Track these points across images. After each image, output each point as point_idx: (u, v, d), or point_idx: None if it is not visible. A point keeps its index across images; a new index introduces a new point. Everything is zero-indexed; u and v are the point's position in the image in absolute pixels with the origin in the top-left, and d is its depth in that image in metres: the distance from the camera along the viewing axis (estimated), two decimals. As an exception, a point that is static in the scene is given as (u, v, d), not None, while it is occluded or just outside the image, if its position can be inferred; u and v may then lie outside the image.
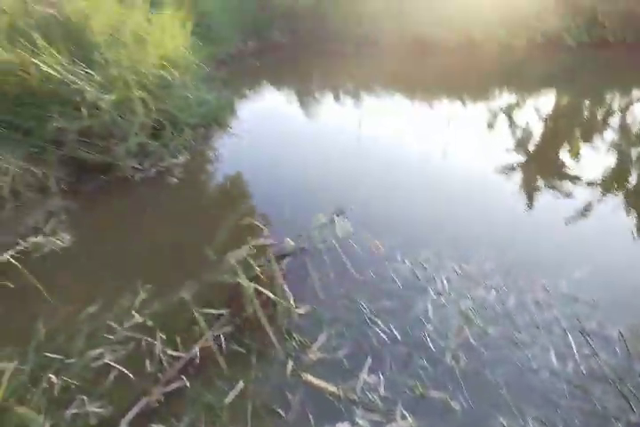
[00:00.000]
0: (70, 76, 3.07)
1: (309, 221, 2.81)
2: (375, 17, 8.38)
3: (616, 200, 3.25)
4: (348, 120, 5.10)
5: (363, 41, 8.44)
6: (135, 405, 1.21)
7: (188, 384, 1.36)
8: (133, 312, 1.66)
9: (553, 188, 3.49)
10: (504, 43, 8.27)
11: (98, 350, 1.43)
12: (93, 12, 3.57)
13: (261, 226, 2.70)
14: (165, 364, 1.40)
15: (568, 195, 3.33)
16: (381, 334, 1.82)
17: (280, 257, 2.42)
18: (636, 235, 2.86)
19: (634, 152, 4.41)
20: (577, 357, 1.88)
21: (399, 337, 1.83)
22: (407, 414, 1.39)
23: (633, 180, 3.76)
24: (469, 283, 2.35)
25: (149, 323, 1.61)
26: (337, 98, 6.18)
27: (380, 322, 1.92)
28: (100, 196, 2.96)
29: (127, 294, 1.86)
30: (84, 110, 3.05)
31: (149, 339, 1.52)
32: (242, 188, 3.41)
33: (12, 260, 1.57)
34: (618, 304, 2.20)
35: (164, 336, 1.54)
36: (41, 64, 2.94)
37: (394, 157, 3.94)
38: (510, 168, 3.80)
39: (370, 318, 1.93)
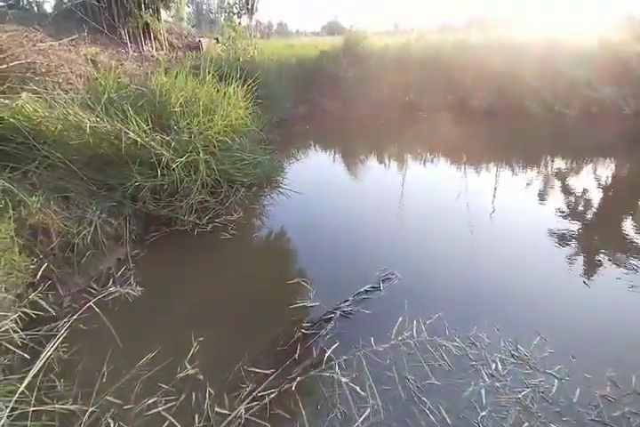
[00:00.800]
0: (152, 142, 3.69)
1: (354, 284, 2.92)
2: (421, 85, 9.12)
3: None
4: (392, 183, 5.40)
5: (408, 107, 9.23)
6: None
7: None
8: (186, 363, 1.77)
9: (617, 261, 3.32)
10: (557, 112, 8.59)
11: (153, 399, 1.55)
12: (172, 87, 4.37)
13: (308, 286, 2.86)
14: (212, 421, 1.47)
15: (634, 269, 3.15)
16: (430, 416, 1.77)
17: (326, 320, 2.52)
18: None
19: None
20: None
21: (449, 422, 1.77)
22: None
23: None
24: (527, 368, 2.23)
25: (200, 377, 1.71)
26: (380, 161, 6.63)
27: (427, 401, 1.87)
28: (163, 245, 3.28)
29: (182, 343, 1.99)
30: (158, 171, 3.60)
31: (199, 393, 1.61)
32: (288, 245, 3.63)
33: (93, 306, 1.80)
34: None
35: (212, 391, 1.63)
36: (130, 133, 3.58)
37: (443, 223, 3.99)
38: (568, 239, 3.70)
39: (417, 396, 1.90)
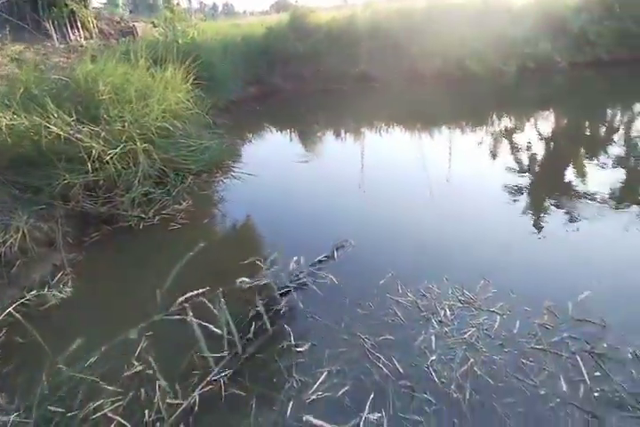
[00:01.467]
0: (77, 134, 3.33)
1: (311, 257, 2.87)
2: (371, 55, 8.87)
3: (624, 218, 3.18)
4: (350, 155, 5.29)
5: (360, 78, 8.92)
6: None
7: (187, 432, 1.36)
8: (133, 361, 1.68)
9: (558, 208, 3.48)
10: (497, 70, 8.67)
11: (97, 402, 1.44)
12: (99, 74, 3.94)
13: (262, 265, 2.77)
14: (164, 413, 1.40)
15: (574, 215, 3.30)
16: (384, 369, 1.80)
17: (281, 295, 2.46)
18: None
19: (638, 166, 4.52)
20: (588, 381, 1.81)
21: (402, 371, 1.79)
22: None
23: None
24: (472, 310, 2.33)
25: (149, 371, 1.61)
26: (337, 135, 6.48)
27: (381, 356, 1.89)
28: (105, 245, 3.06)
29: (129, 342, 1.87)
30: (89, 165, 3.28)
31: (149, 388, 1.52)
32: (244, 228, 3.51)
33: (15, 313, 1.62)
34: (629, 325, 2.13)
35: (163, 384, 1.54)
36: (51, 126, 3.20)
37: (397, 188, 4.02)
38: (513, 191, 3.83)
39: (371, 353, 1.91)
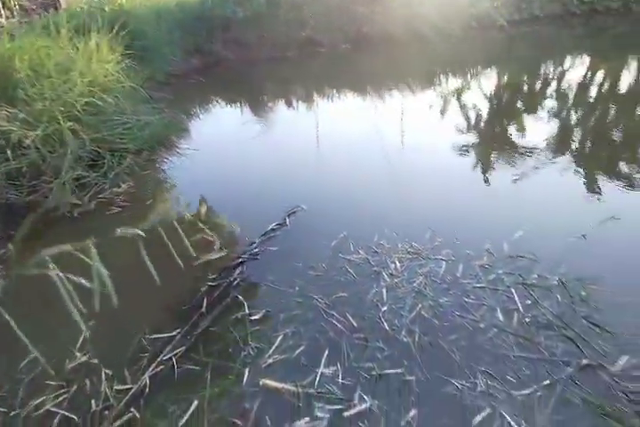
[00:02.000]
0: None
1: (264, 227, 2.76)
2: (316, 19, 8.30)
3: (554, 166, 3.37)
4: (302, 125, 5.02)
5: (306, 44, 8.35)
6: None
7: (138, 415, 1.26)
8: (76, 352, 1.52)
9: (498, 161, 3.60)
10: (443, 31, 8.41)
11: (40, 399, 1.31)
12: (15, 51, 3.35)
13: (213, 240, 2.63)
14: (113, 400, 1.30)
15: (511, 166, 3.43)
16: (338, 325, 1.77)
17: (234, 267, 2.36)
18: (569, 195, 2.97)
19: (573, 117, 4.66)
20: (521, 309, 1.92)
21: (355, 324, 1.78)
22: (365, 397, 1.36)
23: (572, 144, 3.93)
24: (421, 260, 2.38)
25: (95, 360, 1.48)
26: (288, 104, 6.08)
27: (335, 313, 1.87)
28: (36, 237, 2.72)
29: (70, 335, 1.68)
30: (8, 152, 2.86)
31: (94, 378, 1.39)
32: (192, 205, 3.29)
33: None
34: (556, 257, 2.25)
35: (109, 372, 1.42)
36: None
37: (349, 153, 3.90)
38: (458, 148, 3.87)
39: (325, 311, 1.88)
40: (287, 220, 2.88)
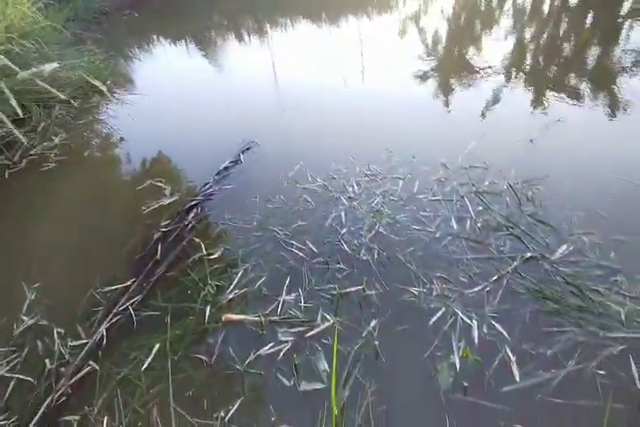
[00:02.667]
0: None
1: (214, 165, 2.47)
2: None
3: (508, 81, 3.27)
4: (255, 59, 4.34)
5: None
6: (40, 407, 1.05)
7: (97, 367, 1.16)
8: (22, 317, 1.35)
9: (452, 81, 3.40)
10: None
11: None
12: None
13: (163, 185, 2.35)
14: (68, 356, 1.19)
15: (465, 84, 3.28)
16: (298, 253, 1.65)
17: (188, 210, 2.14)
18: (520, 107, 2.86)
19: (527, 34, 4.36)
20: (474, 216, 1.88)
21: (315, 250, 1.67)
22: (328, 317, 1.31)
23: (524, 61, 3.74)
24: (378, 181, 2.25)
25: (44, 322, 1.32)
26: (239, 38, 5.17)
27: (295, 242, 1.74)
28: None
29: (14, 299, 1.48)
30: None
31: (46, 338, 1.25)
32: (136, 151, 2.87)
33: None
34: (505, 164, 2.19)
35: (61, 330, 1.28)
36: None
37: (304, 84, 3.50)
38: (415, 72, 3.59)
39: (285, 242, 1.74)
40: (241, 156, 2.59)
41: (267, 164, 2.51)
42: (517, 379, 1.09)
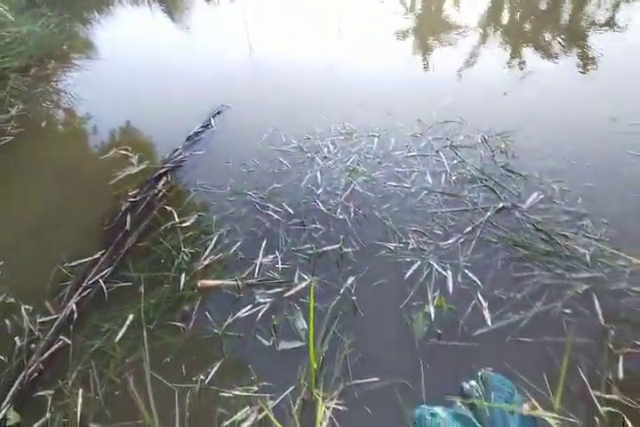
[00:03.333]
0: None
1: (184, 130, 2.21)
2: None
3: (484, 38, 3.05)
4: (223, 18, 3.80)
5: None
6: (12, 384, 0.97)
7: (69, 341, 1.05)
8: (-15, 296, 1.23)
9: (430, 39, 3.14)
10: None
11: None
12: None
13: (129, 153, 2.10)
14: (38, 333, 1.08)
15: (440, 42, 3.05)
16: (274, 216, 1.51)
17: (157, 178, 1.94)
18: (494, 62, 2.69)
19: None
20: (448, 170, 1.74)
21: (292, 212, 1.53)
22: (305, 276, 1.22)
23: (500, 19, 3.48)
24: (354, 139, 2.07)
25: (11, 300, 1.17)
26: None
27: (271, 205, 1.59)
28: None
29: None
30: None
31: (14, 316, 1.12)
32: (99, 119, 2.53)
33: None
34: (480, 116, 2.05)
35: (30, 307, 1.14)
36: None
37: (276, 44, 3.10)
38: (391, 29, 3.25)
39: (261, 205, 1.60)
40: (212, 121, 2.33)
41: (239, 127, 2.27)
42: (489, 323, 1.07)
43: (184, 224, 1.47)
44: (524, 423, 0.74)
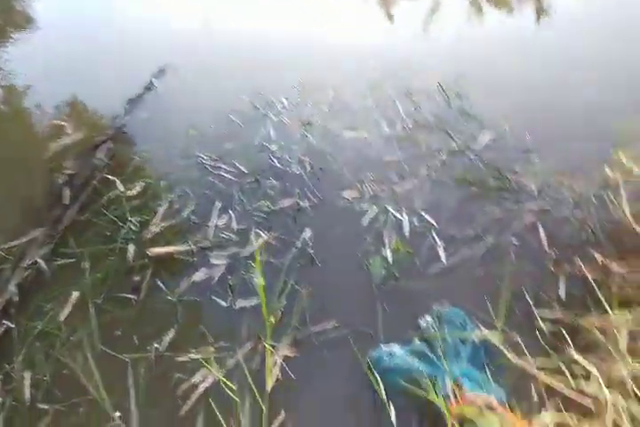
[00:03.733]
0: None
1: (125, 94, 1.90)
2: None
3: None
4: None
5: None
6: None
7: (12, 324, 0.93)
8: None
9: None
10: None
11: None
12: None
13: (63, 123, 1.81)
14: None
15: None
16: (227, 176, 1.36)
17: (96, 146, 1.69)
18: (445, 7, 2.43)
19: None
20: (404, 117, 1.62)
21: (245, 170, 1.37)
22: (262, 233, 1.12)
23: None
24: (309, 92, 1.87)
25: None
26: None
27: (223, 166, 1.42)
28: None
29: None
30: None
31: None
32: (30, 89, 2.16)
33: None
34: (436, 61, 1.90)
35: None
36: None
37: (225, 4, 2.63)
38: None
39: (212, 166, 1.42)
40: (154, 82, 2.03)
41: (185, 88, 1.98)
42: (444, 260, 1.05)
43: (129, 193, 1.30)
44: (476, 352, 0.74)
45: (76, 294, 0.96)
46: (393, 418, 0.69)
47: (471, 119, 1.56)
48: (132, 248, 1.07)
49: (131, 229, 1.14)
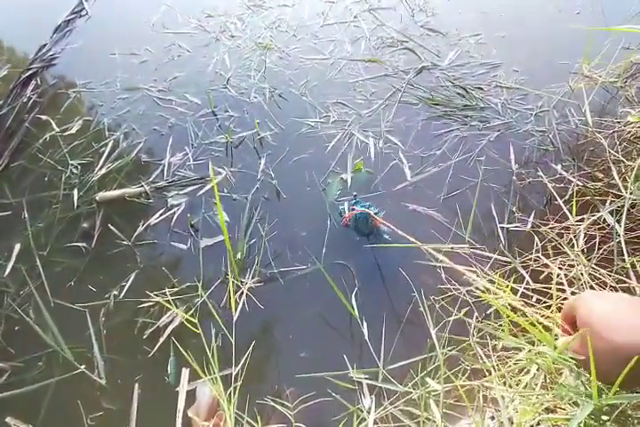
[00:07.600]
0: None
1: (55, 22, 1.07)
2: None
3: None
4: None
5: None
6: None
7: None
8: None
9: None
10: None
11: None
12: None
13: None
14: None
15: None
16: (179, 109, 0.78)
17: (22, 84, 0.93)
18: None
19: None
20: (368, 35, 0.98)
21: (199, 102, 0.79)
22: (222, 170, 0.66)
23: None
24: (263, 12, 1.07)
25: None
26: None
27: (174, 98, 0.82)
28: None
29: None
30: None
31: None
32: None
33: None
34: None
35: None
36: None
37: None
38: None
39: (161, 99, 0.84)
40: (85, 5, 1.13)
41: (122, 10, 1.08)
42: (409, 178, 0.71)
43: (66, 133, 0.76)
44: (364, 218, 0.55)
45: (18, 247, 0.58)
46: (365, 330, 0.47)
47: (437, 35, 0.96)
48: (76, 194, 0.63)
49: (73, 172, 0.66)
